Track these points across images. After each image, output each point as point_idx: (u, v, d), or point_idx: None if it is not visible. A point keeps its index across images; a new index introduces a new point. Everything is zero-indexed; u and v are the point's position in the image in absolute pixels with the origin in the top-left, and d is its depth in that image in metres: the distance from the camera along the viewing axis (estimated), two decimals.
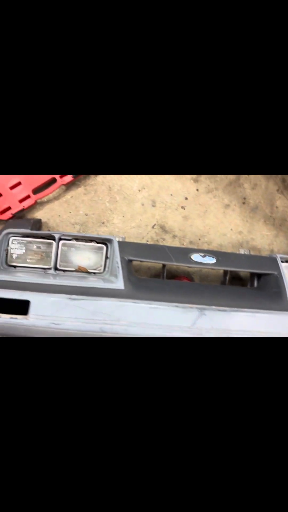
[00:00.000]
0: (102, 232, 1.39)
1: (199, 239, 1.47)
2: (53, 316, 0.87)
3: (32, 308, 0.87)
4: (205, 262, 1.06)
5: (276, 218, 1.55)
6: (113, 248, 1.02)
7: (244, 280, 1.37)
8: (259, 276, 1.14)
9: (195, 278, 1.44)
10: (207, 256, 1.08)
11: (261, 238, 1.51)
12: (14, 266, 1.07)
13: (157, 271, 1.34)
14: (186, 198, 1.49)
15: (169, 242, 1.43)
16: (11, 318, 0.88)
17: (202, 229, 1.48)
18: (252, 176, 1.53)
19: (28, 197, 1.28)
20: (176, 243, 1.43)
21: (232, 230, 1.51)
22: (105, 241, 1.07)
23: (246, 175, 1.51)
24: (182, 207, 1.48)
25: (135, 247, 1.07)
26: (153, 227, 1.44)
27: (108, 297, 0.89)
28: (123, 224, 1.40)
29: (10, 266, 1.05)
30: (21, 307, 0.91)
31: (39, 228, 1.32)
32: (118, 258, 0.99)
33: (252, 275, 1.16)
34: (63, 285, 0.92)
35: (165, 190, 1.46)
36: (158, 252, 1.06)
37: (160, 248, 1.09)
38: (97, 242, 1.09)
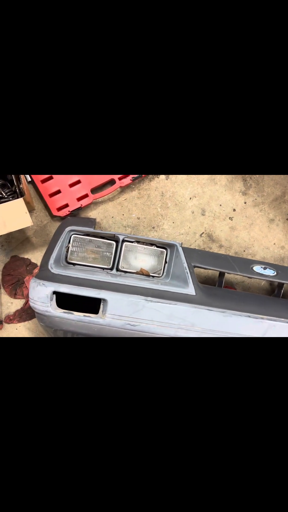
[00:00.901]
0: (152, 236, 1.41)
1: (244, 251, 1.49)
2: (130, 317, 0.87)
3: (109, 308, 0.87)
4: (266, 274, 1.09)
5: None
6: (178, 253, 1.03)
7: None
8: None
9: (237, 288, 1.46)
10: (268, 269, 1.10)
11: None
12: (74, 264, 1.07)
13: (201, 279, 1.36)
14: (234, 210, 1.52)
15: (215, 251, 1.46)
16: (85, 316, 0.88)
17: (247, 241, 1.51)
18: None
19: (86, 196, 1.29)
20: (222, 253, 1.46)
21: (275, 244, 1.54)
22: (166, 246, 1.08)
23: None
24: (230, 218, 1.51)
25: (199, 254, 1.09)
26: (201, 235, 1.46)
27: (183, 302, 0.91)
28: (172, 230, 1.42)
29: (69, 263, 1.06)
30: (94, 306, 0.91)
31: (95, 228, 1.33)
32: (185, 264, 1.00)
33: None
34: (138, 287, 0.92)
35: (215, 200, 1.49)
36: (221, 260, 1.08)
37: (223, 257, 1.11)
38: (157, 247, 1.11)
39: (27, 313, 1.29)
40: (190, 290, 0.96)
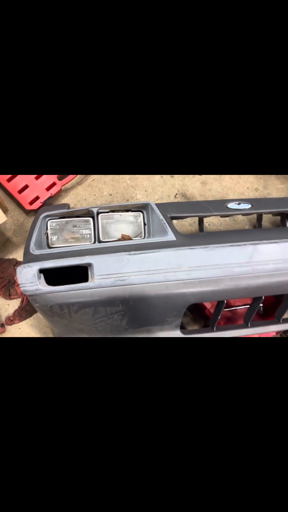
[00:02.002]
0: None
1: None
2: (117, 273, 0.89)
3: (95, 270, 0.89)
4: (242, 208, 1.11)
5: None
6: (153, 210, 1.05)
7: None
8: None
9: None
10: (242, 203, 1.12)
11: (277, 192, 1.58)
12: (56, 248, 1.09)
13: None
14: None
15: None
16: (75, 285, 0.89)
17: (221, 191, 1.53)
18: None
19: (54, 184, 1.30)
20: None
21: (248, 188, 1.57)
22: (140, 208, 1.10)
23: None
24: (199, 174, 1.53)
25: (174, 205, 1.10)
26: (175, 196, 1.48)
27: (165, 248, 0.92)
28: (146, 198, 1.44)
29: (52, 248, 1.07)
30: (83, 276, 0.92)
31: None
32: (161, 216, 1.02)
33: (283, 217, 1.22)
34: (119, 245, 0.94)
35: None
36: (196, 206, 1.10)
37: (197, 203, 1.13)
38: (133, 211, 1.13)
39: (25, 310, 1.30)
40: (170, 236, 0.98)
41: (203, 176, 1.53)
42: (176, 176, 1.50)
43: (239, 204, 1.14)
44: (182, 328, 1.06)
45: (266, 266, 0.93)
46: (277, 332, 1.40)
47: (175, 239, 0.96)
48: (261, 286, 0.96)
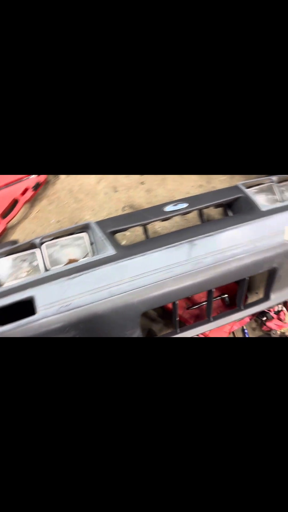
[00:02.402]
0: None
1: None
2: (60, 300, 0.88)
3: (38, 301, 0.88)
4: (179, 208, 1.13)
5: None
6: (93, 229, 1.06)
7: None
8: (230, 205, 1.22)
9: None
10: (178, 204, 1.15)
11: (221, 183, 1.62)
12: None
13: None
14: (142, 174, 1.58)
15: None
16: (20, 321, 0.88)
17: (167, 195, 1.56)
18: None
19: None
20: None
21: (193, 186, 1.61)
22: (84, 229, 1.11)
23: None
24: (142, 183, 1.56)
25: (113, 220, 1.12)
26: (123, 209, 1.50)
27: (104, 264, 0.93)
28: (95, 217, 1.46)
29: (2, 287, 1.06)
30: (28, 309, 0.92)
31: None
32: (101, 233, 1.03)
33: (224, 207, 1.25)
34: (59, 272, 0.94)
35: (120, 174, 1.55)
36: (134, 216, 1.12)
37: (135, 213, 1.15)
38: (77, 233, 1.14)
39: None
40: (110, 251, 0.98)
41: (146, 184, 1.56)
42: (120, 189, 1.53)
43: (176, 205, 1.17)
44: (152, 335, 1.05)
45: (205, 259, 0.95)
46: (250, 318, 1.41)
47: (114, 253, 0.96)
48: (207, 280, 0.97)
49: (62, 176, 1.50)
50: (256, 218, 1.06)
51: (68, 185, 1.49)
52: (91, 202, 1.48)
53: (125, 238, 1.42)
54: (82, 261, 1.01)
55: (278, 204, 1.14)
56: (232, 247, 0.99)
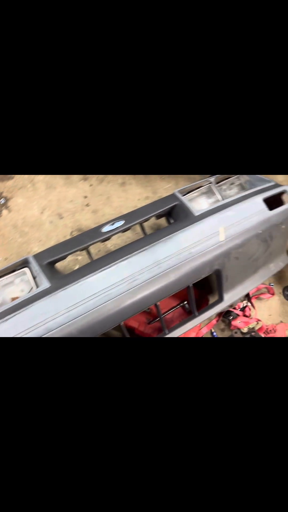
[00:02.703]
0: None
1: None
2: None
3: None
4: (116, 227, 1.12)
5: None
6: (31, 263, 1.04)
7: None
8: (170, 213, 1.22)
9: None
10: (115, 222, 1.14)
11: (166, 192, 1.63)
12: None
13: None
14: (86, 197, 1.57)
15: None
16: None
17: (114, 212, 1.56)
18: None
19: None
20: None
21: (139, 199, 1.61)
22: (23, 265, 1.08)
23: None
24: (87, 205, 1.56)
25: (50, 250, 1.10)
26: (71, 234, 1.49)
27: (40, 299, 0.90)
28: (43, 247, 1.43)
29: None
30: None
31: None
32: (36, 267, 1.01)
33: (166, 216, 1.25)
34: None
35: (64, 200, 1.54)
36: (72, 242, 1.10)
37: (74, 238, 1.13)
38: (17, 270, 1.10)
39: None
40: (45, 284, 0.96)
41: (92, 205, 1.56)
42: (65, 215, 1.51)
43: (113, 224, 1.16)
44: None
45: (141, 276, 0.93)
46: (217, 319, 1.40)
47: (49, 285, 0.94)
48: (147, 296, 0.95)
49: (4, 212, 1.48)
50: (189, 224, 1.06)
51: (11, 220, 1.46)
52: (37, 233, 1.46)
53: (77, 262, 1.40)
54: (21, 297, 0.98)
55: (211, 207, 1.15)
56: (167, 258, 0.98)
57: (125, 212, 1.59)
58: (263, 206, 1.12)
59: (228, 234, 1.04)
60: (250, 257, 1.14)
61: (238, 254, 1.08)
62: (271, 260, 1.31)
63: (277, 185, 1.29)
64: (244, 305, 1.52)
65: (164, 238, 1.01)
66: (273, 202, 1.28)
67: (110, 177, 1.60)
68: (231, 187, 1.49)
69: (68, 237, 1.47)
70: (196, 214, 1.10)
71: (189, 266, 0.98)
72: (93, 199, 1.55)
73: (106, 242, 1.51)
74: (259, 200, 1.13)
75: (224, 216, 1.06)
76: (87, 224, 1.51)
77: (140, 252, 0.97)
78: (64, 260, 1.11)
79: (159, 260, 0.95)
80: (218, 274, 1.10)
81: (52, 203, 1.50)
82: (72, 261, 1.41)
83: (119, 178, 1.61)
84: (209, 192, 1.35)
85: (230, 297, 1.18)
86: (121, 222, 1.14)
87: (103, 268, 0.94)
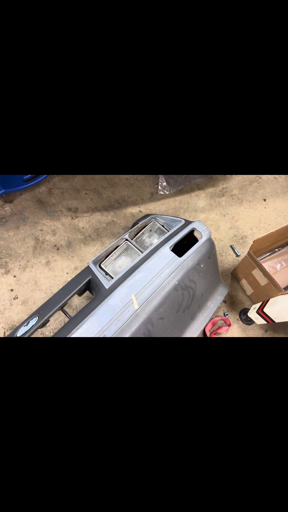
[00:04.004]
0: None
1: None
2: None
3: None
4: (31, 326, 1.04)
5: (70, 246, 1.65)
6: None
7: None
8: (89, 288, 1.16)
9: None
10: (29, 322, 1.06)
11: (94, 255, 1.60)
12: None
13: None
14: (12, 290, 1.50)
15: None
16: None
17: (45, 295, 1.48)
18: (46, 228, 1.63)
19: None
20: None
21: (68, 273, 1.56)
22: None
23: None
24: (15, 298, 1.48)
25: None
26: (5, 333, 1.38)
27: None
28: None
29: None
30: None
31: None
32: None
33: (89, 290, 1.19)
34: None
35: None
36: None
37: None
38: None
39: None
40: None
41: (20, 297, 1.45)
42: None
43: (27, 324, 1.07)
44: None
45: None
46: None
47: None
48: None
49: None
50: (99, 302, 1.00)
51: None
52: None
53: None
54: None
55: (119, 274, 1.08)
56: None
57: (55, 290, 1.53)
58: (172, 255, 1.09)
59: (142, 298, 0.99)
60: (177, 310, 1.08)
61: (161, 314, 1.02)
62: (207, 299, 1.26)
63: (186, 224, 1.27)
64: None
65: (77, 327, 0.93)
66: (192, 239, 1.25)
67: (32, 260, 1.55)
68: (151, 234, 1.48)
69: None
70: (107, 286, 1.05)
71: None
72: (20, 289, 1.48)
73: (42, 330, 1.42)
74: (166, 250, 1.10)
75: (133, 281, 1.01)
76: (19, 318, 1.42)
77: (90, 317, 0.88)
78: None
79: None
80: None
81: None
82: None
83: (42, 258, 1.56)
84: (129, 249, 1.32)
85: None
86: (35, 320, 1.06)
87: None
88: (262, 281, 1.39)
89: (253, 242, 1.34)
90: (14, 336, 1.02)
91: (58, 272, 1.55)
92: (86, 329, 0.91)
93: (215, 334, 1.46)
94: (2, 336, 1.36)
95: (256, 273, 1.41)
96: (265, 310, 1.31)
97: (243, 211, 1.82)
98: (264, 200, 1.87)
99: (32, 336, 1.02)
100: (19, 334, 1.03)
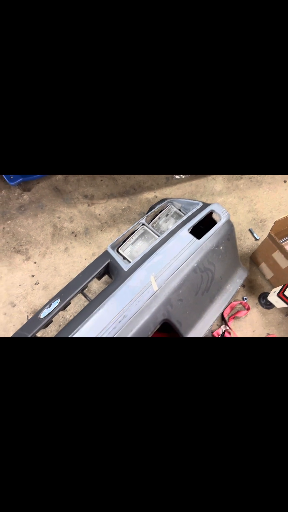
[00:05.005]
0: None
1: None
2: None
3: None
4: (53, 308, 1.07)
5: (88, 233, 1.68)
6: None
7: None
8: (108, 271, 1.18)
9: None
10: (52, 304, 1.09)
11: (111, 241, 1.61)
12: None
13: None
14: (33, 275, 1.54)
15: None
16: None
17: (65, 280, 1.52)
18: (64, 216, 1.67)
19: None
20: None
21: (86, 259, 1.58)
22: None
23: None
24: (36, 283, 1.52)
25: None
26: (28, 317, 1.44)
27: None
28: None
29: None
30: None
31: None
32: None
33: (108, 274, 1.20)
34: None
35: (12, 287, 1.50)
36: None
37: (15, 334, 1.08)
38: None
39: None
40: None
41: (41, 282, 1.51)
42: (16, 302, 1.47)
43: (49, 306, 1.11)
44: None
45: None
46: None
47: None
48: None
49: None
50: (119, 284, 1.01)
51: None
52: None
53: None
54: None
55: (137, 257, 1.09)
56: (104, 330, 0.92)
57: (75, 275, 1.56)
58: (190, 238, 1.08)
59: (161, 280, 0.99)
60: (196, 292, 1.08)
61: (180, 296, 1.02)
62: (226, 282, 1.25)
63: (204, 206, 1.25)
64: (223, 330, 1.44)
65: (98, 308, 0.96)
66: (209, 224, 1.23)
67: (52, 247, 1.59)
68: (168, 218, 1.47)
69: (26, 319, 1.42)
70: (126, 269, 1.06)
71: (129, 330, 0.92)
72: (41, 275, 1.52)
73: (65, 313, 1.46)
74: (184, 233, 1.09)
75: (152, 264, 1.01)
76: (41, 302, 1.46)
77: (79, 329, 0.91)
78: None
79: (101, 331, 0.89)
80: (167, 323, 1.03)
81: (1, 294, 1.47)
82: None
83: (60, 245, 1.59)
84: (146, 233, 1.32)
85: (195, 336, 1.10)
86: (57, 302, 1.09)
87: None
88: (283, 263, 1.36)
89: (274, 223, 1.31)
90: (38, 317, 1.06)
91: (77, 258, 1.57)
92: (107, 310, 0.92)
93: (233, 318, 1.45)
94: (26, 319, 1.41)
95: (277, 255, 1.38)
96: (286, 293, 1.28)
97: (262, 193, 1.77)
98: (285, 181, 1.80)
99: (54, 316, 1.04)
100: (42, 315, 1.07)
